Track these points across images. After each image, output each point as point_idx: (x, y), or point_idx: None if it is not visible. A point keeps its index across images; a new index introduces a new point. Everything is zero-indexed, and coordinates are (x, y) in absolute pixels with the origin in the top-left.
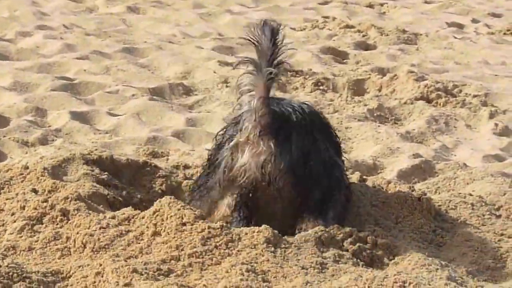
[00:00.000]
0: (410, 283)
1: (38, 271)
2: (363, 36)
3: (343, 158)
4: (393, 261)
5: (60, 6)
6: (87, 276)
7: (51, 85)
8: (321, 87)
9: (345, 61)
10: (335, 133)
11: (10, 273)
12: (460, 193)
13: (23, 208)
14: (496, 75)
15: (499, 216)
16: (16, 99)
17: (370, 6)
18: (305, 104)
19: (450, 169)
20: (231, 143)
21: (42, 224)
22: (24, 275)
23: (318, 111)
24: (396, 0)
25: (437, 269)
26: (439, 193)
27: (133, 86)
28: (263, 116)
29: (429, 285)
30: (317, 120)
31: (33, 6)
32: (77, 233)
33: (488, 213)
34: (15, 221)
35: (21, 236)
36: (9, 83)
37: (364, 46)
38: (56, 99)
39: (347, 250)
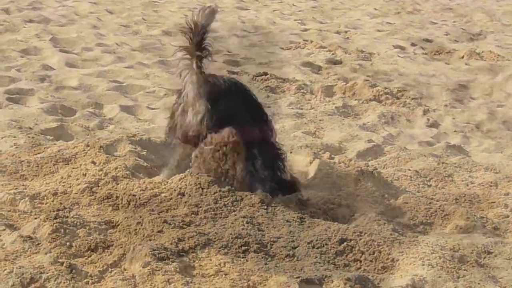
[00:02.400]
0: (365, 233)
1: (95, 221)
2: (332, 54)
3: (269, 117)
4: (353, 217)
5: (113, 29)
6: (130, 225)
7: (106, 86)
8: (301, 91)
9: (319, 72)
10: (257, 99)
11: (75, 222)
12: (401, 169)
13: (84, 175)
14: (428, 84)
15: (430, 186)
16: (81, 96)
17: (338, 32)
18: (234, 79)
19: (394, 151)
20: (179, 109)
21: (99, 186)
22: (85, 224)
23: (245, 84)
24: (356, 28)
25: (385, 223)
26: (386, 169)
27: (165, 88)
28: (199, 86)
29: (379, 234)
30: (242, 90)
31: (94, 29)
32: (124, 193)
33: (422, 183)
34: (79, 184)
35: (83, 195)
36: (76, 84)
37: (333, 61)
38: (110, 96)
39: (319, 209)
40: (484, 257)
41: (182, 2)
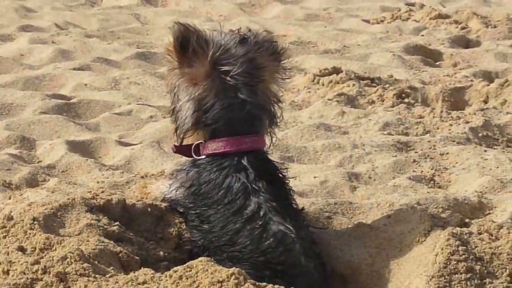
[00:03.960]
0: None
1: None
2: (462, 29)
3: None
4: None
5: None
6: None
7: (41, 106)
8: (406, 100)
9: (438, 63)
10: None
11: None
12: None
13: (6, 273)
14: None
15: None
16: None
17: None
18: None
19: None
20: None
21: None
22: None
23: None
24: None
25: None
26: None
27: (150, 104)
28: None
29: None
30: None
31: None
32: None
33: None
34: None
35: None
36: None
37: (464, 42)
38: (47, 124)
39: None
40: None
41: None
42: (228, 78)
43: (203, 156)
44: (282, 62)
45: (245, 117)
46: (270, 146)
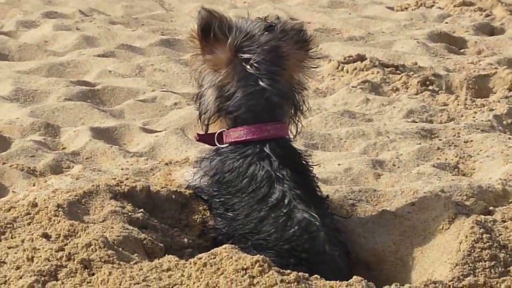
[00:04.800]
0: None
1: None
2: (486, 16)
3: None
4: None
5: None
6: None
7: (64, 92)
8: (430, 87)
9: (462, 50)
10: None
11: None
12: None
13: (31, 259)
14: None
15: None
16: (17, 112)
17: None
18: None
19: None
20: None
21: (57, 280)
22: None
23: None
24: None
25: None
26: None
27: (175, 91)
28: None
29: None
30: None
31: None
32: None
33: None
34: (21, 278)
35: None
36: (7, 91)
37: (488, 29)
38: (71, 111)
39: None
40: None
41: None
42: (248, 66)
43: (226, 145)
44: (309, 50)
45: (266, 105)
46: (296, 134)
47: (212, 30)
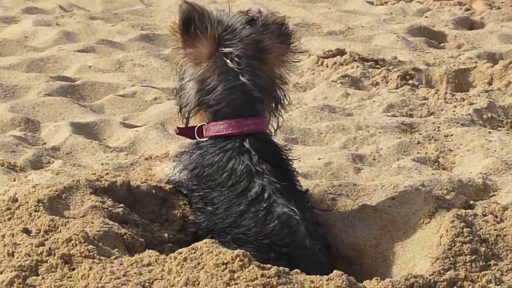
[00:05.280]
0: None
1: None
2: (466, 10)
3: None
4: None
5: None
6: None
7: (44, 88)
8: (410, 81)
9: (442, 45)
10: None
11: None
12: None
13: (11, 254)
14: None
15: None
16: None
17: None
18: None
19: None
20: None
21: (38, 276)
22: None
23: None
24: None
25: None
26: None
27: (154, 86)
28: None
29: None
30: None
31: None
32: (85, 287)
33: None
34: (1, 273)
35: None
36: None
37: (468, 24)
38: (51, 106)
39: None
40: None
41: None
42: (228, 61)
43: (206, 139)
44: (291, 45)
45: (246, 99)
46: (277, 128)
47: (193, 23)
